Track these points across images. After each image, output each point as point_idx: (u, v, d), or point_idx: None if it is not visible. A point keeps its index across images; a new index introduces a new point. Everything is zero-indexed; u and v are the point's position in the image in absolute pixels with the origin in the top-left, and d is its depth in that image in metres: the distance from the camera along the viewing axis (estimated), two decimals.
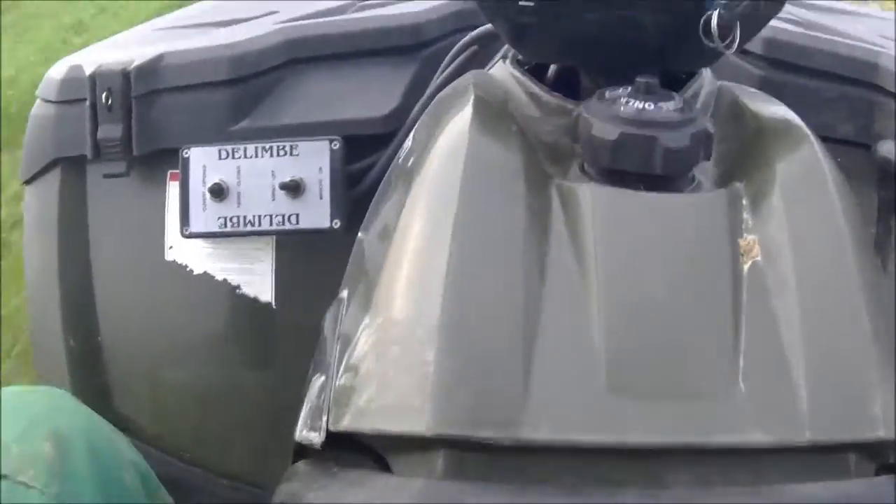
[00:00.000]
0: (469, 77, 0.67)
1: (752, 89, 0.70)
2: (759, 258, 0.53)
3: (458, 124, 0.59)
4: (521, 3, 0.58)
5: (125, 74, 0.84)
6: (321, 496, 0.50)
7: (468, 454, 0.47)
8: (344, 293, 0.60)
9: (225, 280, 0.86)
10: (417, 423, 0.47)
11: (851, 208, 0.56)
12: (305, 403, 0.55)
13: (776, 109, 0.65)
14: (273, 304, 0.85)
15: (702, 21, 0.57)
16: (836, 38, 0.85)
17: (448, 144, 0.58)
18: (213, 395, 0.88)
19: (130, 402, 0.91)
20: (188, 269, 0.87)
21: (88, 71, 0.86)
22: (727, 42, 0.57)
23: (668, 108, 0.56)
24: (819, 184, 0.56)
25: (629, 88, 0.57)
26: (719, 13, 0.57)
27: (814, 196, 0.56)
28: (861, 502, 0.47)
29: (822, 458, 0.49)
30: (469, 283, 0.50)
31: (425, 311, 0.50)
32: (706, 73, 0.69)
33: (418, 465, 0.48)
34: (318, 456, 0.52)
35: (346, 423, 0.50)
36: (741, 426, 0.48)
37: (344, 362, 0.52)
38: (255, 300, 0.85)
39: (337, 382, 0.52)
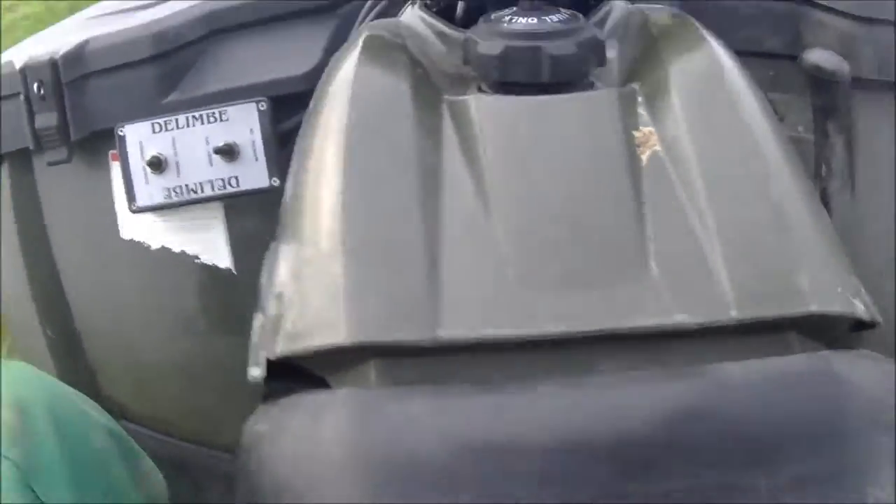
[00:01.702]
0: (366, 25, 0.70)
1: (664, 7, 0.70)
2: (657, 148, 0.53)
3: (347, 62, 0.61)
4: None
5: (53, 64, 0.86)
6: (265, 425, 0.52)
7: (396, 361, 0.49)
8: (274, 241, 0.63)
9: (183, 251, 0.88)
10: (336, 334, 0.48)
11: (754, 99, 0.57)
12: (251, 344, 0.57)
13: (678, 17, 0.66)
14: (233, 269, 0.88)
15: None
16: None
17: (338, 80, 0.60)
18: (191, 367, 0.91)
19: (116, 386, 0.93)
20: (145, 246, 0.89)
21: (18, 65, 0.88)
22: None
23: (553, 20, 0.57)
24: (714, 75, 0.57)
25: (514, 7, 0.59)
26: None
27: (710, 87, 0.57)
28: (789, 376, 0.46)
29: (759, 338, 0.48)
30: (366, 196, 0.52)
31: (329, 228, 0.52)
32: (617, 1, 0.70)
33: (353, 379, 0.50)
34: (276, 394, 0.54)
35: (279, 349, 0.51)
36: (661, 308, 0.48)
37: (271, 292, 0.54)
38: (214, 267, 0.88)
39: (270, 314, 0.54)
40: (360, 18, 0.83)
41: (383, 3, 0.82)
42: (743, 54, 0.76)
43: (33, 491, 0.55)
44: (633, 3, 0.71)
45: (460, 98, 0.57)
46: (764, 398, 0.45)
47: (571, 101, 0.56)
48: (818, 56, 0.80)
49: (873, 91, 0.81)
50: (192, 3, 0.90)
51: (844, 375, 0.46)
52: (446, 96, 0.58)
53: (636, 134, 0.54)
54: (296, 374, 0.53)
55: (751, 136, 0.54)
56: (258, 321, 0.57)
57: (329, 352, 0.50)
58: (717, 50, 0.59)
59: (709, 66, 0.58)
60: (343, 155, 0.54)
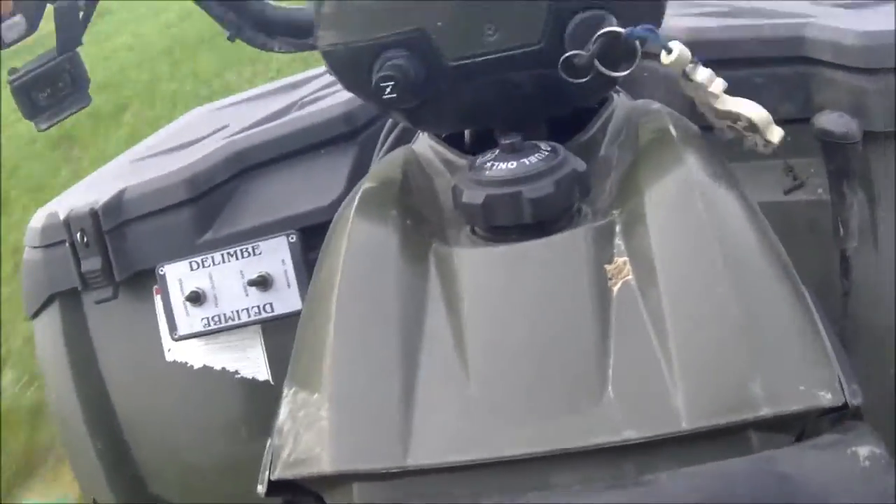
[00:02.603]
0: (374, 166, 0.74)
1: (657, 106, 0.72)
2: (629, 277, 0.55)
3: (345, 216, 0.65)
4: (384, 97, 0.63)
5: (94, 214, 0.95)
6: None
7: (373, 484, 0.54)
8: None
9: (223, 369, 0.95)
10: (321, 464, 0.54)
11: (732, 206, 0.59)
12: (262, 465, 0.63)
13: (659, 125, 0.67)
14: (271, 380, 0.95)
15: (559, 65, 0.62)
16: (758, 22, 0.87)
17: (336, 238, 0.64)
18: (235, 468, 0.96)
19: (164, 486, 1.01)
20: (189, 366, 0.96)
21: (62, 216, 0.97)
22: (590, 76, 0.61)
23: (532, 161, 0.60)
24: (684, 195, 0.58)
25: (496, 152, 0.62)
26: (574, 58, 0.61)
27: (679, 207, 0.58)
28: (729, 479, 0.47)
29: (717, 442, 0.49)
30: (351, 350, 0.57)
31: (319, 379, 0.57)
32: (618, 98, 0.73)
33: (340, 496, 0.56)
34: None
35: (277, 474, 0.57)
36: (612, 427, 0.50)
37: (275, 424, 0.60)
38: (253, 380, 0.95)
39: (273, 443, 0.60)
40: (378, 145, 0.89)
41: (397, 131, 0.88)
42: None
43: None
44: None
45: (445, 249, 0.61)
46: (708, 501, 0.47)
47: (546, 245, 0.59)
48: (827, 120, 0.81)
49: (889, 142, 0.81)
50: (220, 141, 0.99)
51: (788, 474, 0.47)
52: (435, 244, 0.61)
53: (608, 267, 0.57)
54: (297, 489, 0.59)
55: (720, 251, 0.55)
56: (268, 446, 0.63)
57: (318, 477, 0.56)
58: (693, 168, 0.61)
59: (683, 190, 0.59)
60: (334, 309, 0.59)
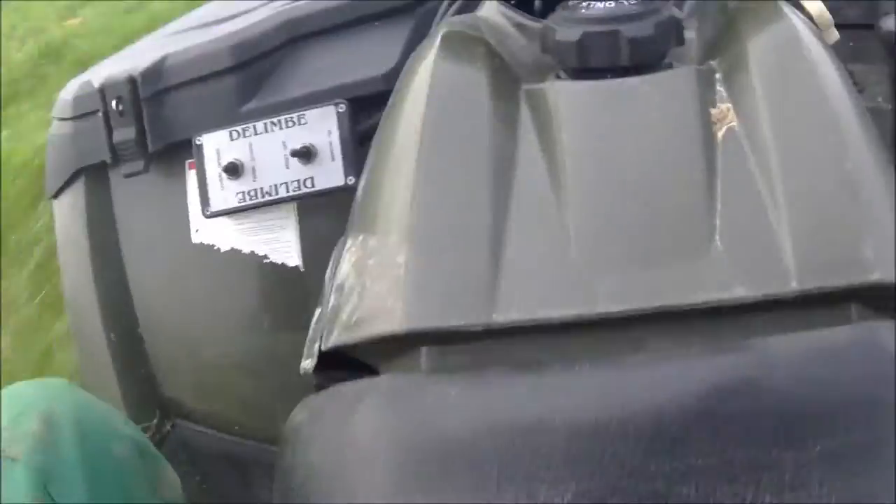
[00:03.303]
0: (446, 22, 0.70)
1: None
2: (734, 124, 0.53)
3: (427, 56, 0.61)
4: None
5: (132, 80, 0.89)
6: (306, 414, 0.52)
7: (447, 348, 0.48)
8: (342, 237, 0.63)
9: (252, 252, 0.89)
10: (389, 322, 0.48)
11: (834, 72, 0.56)
12: (309, 336, 0.57)
13: None
14: (301, 267, 0.88)
15: None
16: None
17: (417, 75, 0.60)
18: (254, 365, 0.91)
19: (177, 387, 0.94)
20: (216, 248, 0.90)
21: (97, 84, 0.91)
22: None
23: (630, 2, 0.58)
24: (793, 49, 0.57)
25: None
26: None
27: (788, 61, 0.56)
28: (831, 348, 0.45)
29: (820, 311, 0.47)
30: (437, 188, 0.52)
31: (396, 219, 0.52)
32: None
33: (403, 367, 0.49)
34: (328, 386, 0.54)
35: (333, 340, 0.51)
36: (720, 283, 0.47)
37: (332, 285, 0.54)
38: (283, 266, 0.88)
39: (327, 307, 0.54)
40: (437, 17, 0.84)
41: (458, 4, 0.83)
42: None
43: (51, 496, 0.58)
44: None
45: (537, 86, 0.57)
46: (804, 371, 0.44)
47: (649, 82, 0.56)
48: (891, 23, 0.79)
49: None
50: (269, 12, 0.93)
51: (886, 345, 0.44)
52: (524, 85, 0.58)
53: (713, 111, 0.54)
54: (353, 367, 0.53)
55: (828, 109, 0.53)
56: (316, 315, 0.57)
57: (384, 341, 0.50)
58: (797, 24, 0.59)
59: (787, 41, 0.57)
60: (417, 149, 0.54)
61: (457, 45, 0.62)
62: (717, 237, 0.48)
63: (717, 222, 0.49)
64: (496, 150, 0.54)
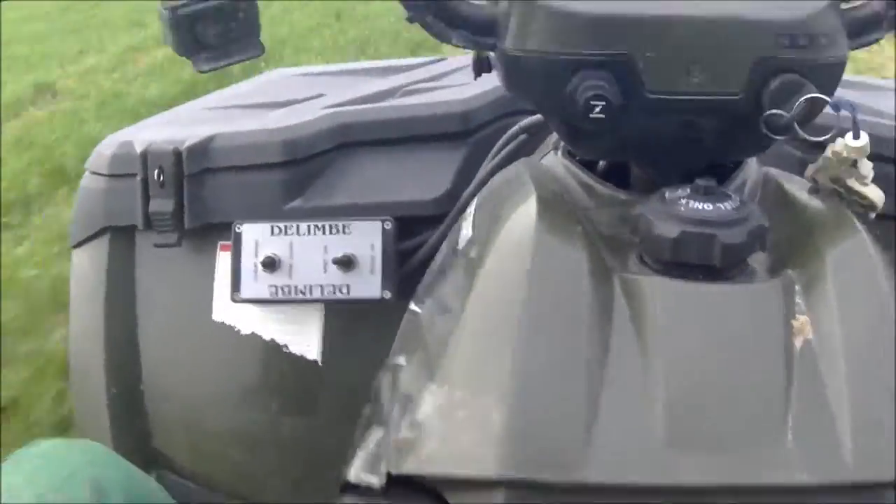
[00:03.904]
0: (523, 168, 0.72)
1: (798, 178, 0.73)
2: (810, 336, 0.58)
3: (524, 217, 0.64)
4: (591, 115, 0.62)
5: (177, 153, 0.90)
6: None
7: (527, 493, 0.53)
8: (400, 359, 0.66)
9: (273, 340, 0.92)
10: (482, 467, 0.52)
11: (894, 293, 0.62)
12: (360, 451, 0.60)
13: (821, 199, 0.70)
14: (319, 361, 0.91)
15: (762, 120, 0.62)
16: (864, 117, 0.89)
17: (514, 237, 0.63)
18: (251, 439, 0.94)
19: (170, 443, 0.97)
20: (236, 330, 0.92)
21: (139, 148, 0.92)
22: (787, 137, 0.63)
23: (727, 207, 0.61)
24: (867, 270, 0.62)
25: (688, 189, 0.62)
26: (773, 117, 0.62)
27: (862, 280, 0.61)
28: None
29: (863, 494, 0.54)
30: (534, 359, 0.56)
31: (493, 382, 0.56)
32: (751, 160, 0.74)
33: (473, 499, 0.54)
34: (368, 496, 0.57)
35: (410, 467, 0.55)
36: (788, 468, 0.53)
37: (406, 418, 0.57)
38: (301, 357, 0.91)
39: (398, 435, 0.57)
40: (494, 150, 0.87)
41: (518, 141, 0.86)
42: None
43: None
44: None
45: (633, 276, 0.61)
46: None
47: (739, 291, 0.61)
48: None
49: None
50: (324, 111, 0.95)
51: None
52: (618, 273, 0.61)
53: (794, 323, 0.59)
54: (398, 487, 0.57)
55: (890, 327, 0.59)
56: (376, 433, 0.61)
57: (466, 480, 0.54)
58: (871, 246, 0.64)
59: (862, 260, 0.62)
60: (518, 317, 0.58)
61: (553, 212, 0.65)
62: (790, 434, 0.54)
63: (790, 420, 0.55)
64: (593, 333, 0.58)
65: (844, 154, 0.67)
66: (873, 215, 0.70)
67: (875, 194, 0.69)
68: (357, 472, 0.59)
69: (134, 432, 0.97)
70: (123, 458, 0.70)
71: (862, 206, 0.70)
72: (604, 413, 0.55)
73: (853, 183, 0.69)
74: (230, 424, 0.95)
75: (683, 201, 0.61)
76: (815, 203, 0.69)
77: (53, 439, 0.69)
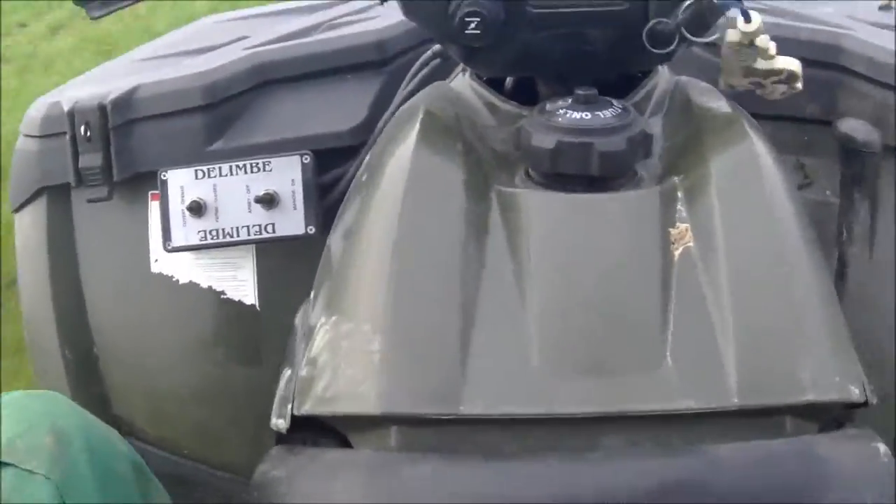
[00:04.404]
0: (423, 94, 0.72)
1: (706, 85, 0.72)
2: (691, 244, 0.56)
3: (406, 141, 0.64)
4: (467, 32, 0.62)
5: (101, 108, 0.90)
6: (283, 472, 0.55)
7: (416, 429, 0.53)
8: (311, 295, 0.66)
9: (210, 287, 0.91)
10: (367, 404, 0.53)
11: (788, 201, 0.60)
12: (276, 394, 0.61)
13: (720, 105, 0.69)
14: (257, 305, 0.91)
15: (644, 32, 0.62)
16: (799, 24, 0.89)
17: (395, 161, 0.63)
18: (206, 394, 0.94)
19: (129, 407, 0.96)
20: (174, 280, 0.92)
21: (66, 107, 0.92)
22: (671, 48, 0.62)
23: (606, 115, 0.60)
24: (752, 174, 0.60)
25: (569, 100, 0.61)
26: (658, 25, 0.61)
27: (746, 185, 0.60)
28: (775, 458, 0.50)
29: (756, 421, 0.52)
30: (408, 283, 0.56)
31: (370, 310, 0.55)
32: (662, 71, 0.73)
33: (374, 441, 0.54)
34: (290, 440, 0.58)
35: (308, 408, 0.55)
36: (669, 395, 0.52)
37: (305, 356, 0.58)
38: (240, 303, 0.91)
39: (300, 374, 0.57)
40: (407, 77, 0.86)
41: (431, 67, 0.85)
42: (781, 118, 0.79)
43: None
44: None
45: (509, 189, 0.60)
46: (750, 478, 0.49)
47: (615, 200, 0.59)
48: (850, 126, 0.84)
49: None
50: (241, 51, 0.94)
51: (826, 456, 0.50)
52: (496, 186, 0.60)
53: (672, 231, 0.58)
54: (313, 426, 0.57)
55: (779, 238, 0.57)
56: (286, 376, 0.61)
57: (355, 417, 0.54)
58: (760, 150, 0.62)
59: (750, 169, 0.61)
60: (393, 242, 0.57)
61: (435, 134, 0.64)
62: (668, 354, 0.53)
63: (669, 339, 0.53)
64: (467, 251, 0.57)
65: (740, 40, 0.65)
66: (799, 85, 0.68)
67: (787, 62, 0.68)
68: (272, 418, 0.59)
69: (93, 400, 0.97)
70: (81, 407, 0.70)
71: (784, 83, 0.69)
72: (479, 340, 0.54)
73: (762, 63, 0.68)
74: (183, 382, 0.95)
75: (562, 112, 0.61)
76: (712, 109, 0.67)
77: (15, 392, 0.69)
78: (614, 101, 0.62)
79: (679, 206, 0.58)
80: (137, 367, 0.96)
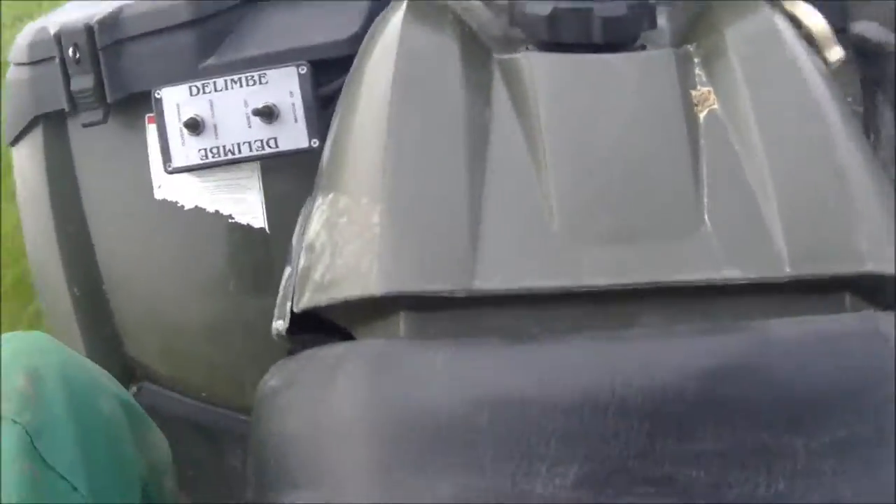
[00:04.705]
0: None
1: None
2: (715, 107, 0.52)
3: (393, 19, 0.61)
4: None
5: (88, 28, 0.87)
6: (280, 379, 0.51)
7: (426, 313, 0.47)
8: (309, 198, 0.63)
9: (217, 212, 0.89)
10: (368, 284, 0.47)
11: (810, 62, 0.56)
12: (280, 296, 0.56)
13: None
14: (266, 228, 0.88)
15: None
16: None
17: (383, 38, 0.60)
18: (219, 328, 0.91)
19: (142, 347, 0.94)
20: (179, 206, 0.90)
21: (53, 31, 0.89)
22: None
23: None
24: (771, 37, 0.56)
25: None
26: None
27: (767, 49, 0.56)
28: (835, 336, 0.45)
29: (812, 297, 0.47)
30: (411, 150, 0.51)
31: (369, 179, 0.51)
32: None
33: (380, 332, 0.48)
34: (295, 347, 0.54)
35: (306, 301, 0.50)
36: (712, 263, 0.46)
37: (304, 245, 0.53)
38: (248, 227, 0.88)
39: (298, 266, 0.53)
40: None
41: None
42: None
43: (40, 454, 0.57)
44: None
45: (510, 56, 0.56)
46: (808, 357, 0.44)
47: (628, 59, 0.56)
48: (864, 28, 0.79)
49: None
50: None
51: (888, 336, 0.44)
52: (496, 55, 0.57)
53: (693, 93, 0.53)
54: (325, 330, 0.52)
55: (810, 97, 0.53)
56: (286, 274, 0.56)
57: (358, 303, 0.48)
58: (773, 14, 0.59)
59: (766, 30, 0.57)
60: (388, 110, 0.53)
61: (424, 11, 0.61)
62: (706, 217, 0.48)
63: (706, 202, 0.48)
64: (469, 117, 0.52)
65: None
66: (830, 61, 0.63)
67: (811, 17, 0.64)
68: (274, 323, 0.55)
69: (105, 339, 0.95)
70: (65, 347, 0.68)
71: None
72: (490, 211, 0.48)
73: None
74: (194, 316, 0.92)
75: None
76: None
77: None
78: None
79: (697, 71, 0.55)
80: (147, 303, 0.94)
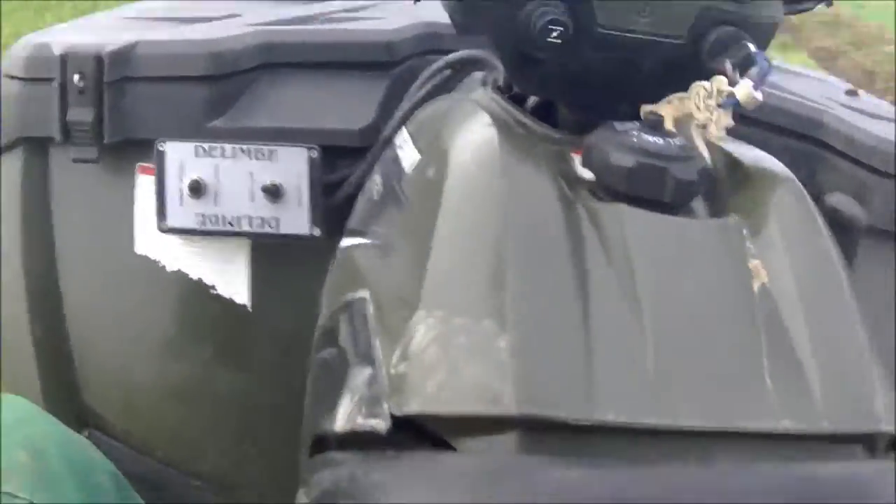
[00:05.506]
0: (460, 97, 0.71)
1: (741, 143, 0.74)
2: (765, 280, 0.59)
3: (484, 138, 0.63)
4: (549, 39, 0.62)
5: (98, 58, 0.83)
6: (386, 476, 0.52)
7: (539, 434, 0.52)
8: (359, 294, 0.64)
9: (199, 279, 0.86)
10: (500, 404, 0.51)
11: (830, 240, 0.63)
12: (348, 396, 0.57)
13: (753, 153, 0.70)
14: (248, 306, 0.86)
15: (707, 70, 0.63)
16: (786, 95, 0.91)
17: (477, 157, 0.62)
18: (185, 394, 0.89)
19: (100, 398, 0.91)
20: (160, 265, 0.87)
21: (58, 51, 0.84)
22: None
23: (675, 143, 0.61)
24: (810, 220, 0.63)
25: (636, 123, 0.62)
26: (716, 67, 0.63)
27: (806, 230, 0.63)
28: (871, 480, 0.54)
29: (835, 446, 0.56)
30: (528, 281, 0.55)
31: (490, 306, 0.54)
32: None
33: (488, 446, 0.52)
34: (364, 445, 0.55)
35: (416, 407, 0.52)
36: (773, 414, 0.55)
37: (398, 353, 0.55)
38: (230, 301, 0.86)
39: (393, 371, 0.54)
40: (417, 84, 0.83)
41: (442, 77, 0.82)
42: None
43: None
44: None
45: (598, 205, 0.60)
46: (856, 494, 0.53)
47: (705, 226, 0.61)
48: (838, 200, 0.87)
49: (879, 239, 0.88)
50: (244, 26, 0.89)
51: None
52: (581, 201, 0.60)
53: (750, 264, 0.60)
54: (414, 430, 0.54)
55: (838, 279, 0.61)
56: (364, 373, 0.58)
57: (470, 419, 0.52)
58: (806, 194, 0.65)
59: (804, 210, 0.64)
60: (499, 237, 0.57)
61: (515, 141, 0.64)
62: (767, 378, 0.56)
63: (765, 363, 0.56)
64: (574, 259, 0.57)
65: (716, 94, 0.65)
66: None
67: (744, 90, 0.65)
68: (350, 418, 0.56)
69: (62, 385, 0.92)
70: (49, 414, 0.67)
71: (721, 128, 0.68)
72: (598, 347, 0.54)
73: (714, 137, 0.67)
74: (161, 376, 0.90)
75: (636, 133, 0.61)
76: (750, 157, 0.69)
77: None
78: (677, 132, 0.63)
79: (748, 244, 0.60)
80: (112, 357, 0.90)
